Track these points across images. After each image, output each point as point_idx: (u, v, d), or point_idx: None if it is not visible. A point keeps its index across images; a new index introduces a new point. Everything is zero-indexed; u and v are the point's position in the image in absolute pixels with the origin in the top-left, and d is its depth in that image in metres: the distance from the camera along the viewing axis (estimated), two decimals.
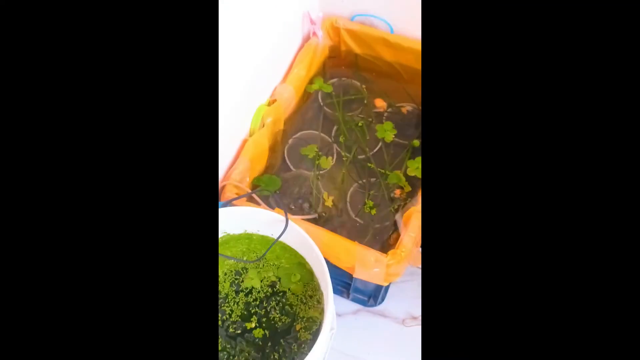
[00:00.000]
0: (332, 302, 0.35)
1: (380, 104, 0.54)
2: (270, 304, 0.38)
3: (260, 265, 0.40)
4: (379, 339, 0.46)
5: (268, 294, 0.38)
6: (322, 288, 0.38)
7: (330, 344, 0.37)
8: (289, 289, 0.39)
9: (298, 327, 0.38)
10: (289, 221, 0.37)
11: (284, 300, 0.38)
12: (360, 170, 0.49)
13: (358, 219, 0.46)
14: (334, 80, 0.55)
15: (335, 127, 0.52)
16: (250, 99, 0.46)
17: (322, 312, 0.38)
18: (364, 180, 0.47)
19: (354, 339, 0.45)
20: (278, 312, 0.38)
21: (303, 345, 0.37)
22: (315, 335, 0.37)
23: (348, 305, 0.48)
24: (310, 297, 0.39)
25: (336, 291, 0.46)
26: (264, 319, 0.38)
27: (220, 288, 0.39)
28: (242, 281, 0.39)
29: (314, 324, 0.38)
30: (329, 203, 0.47)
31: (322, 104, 0.53)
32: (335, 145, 0.50)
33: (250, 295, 0.39)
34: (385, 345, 0.45)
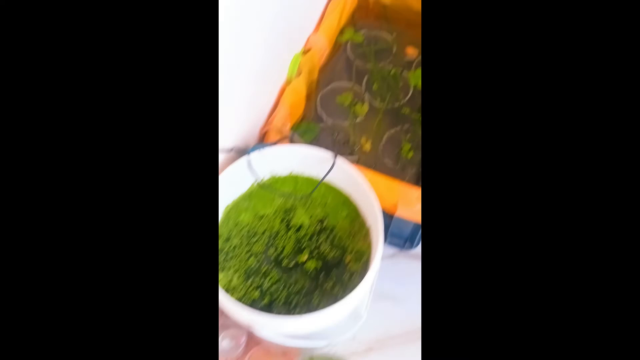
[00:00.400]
0: (382, 233, 0.36)
1: (411, 51, 0.55)
2: (320, 238, 0.40)
3: (308, 204, 0.42)
4: (416, 282, 0.48)
5: (317, 229, 0.40)
6: (370, 222, 0.40)
7: (376, 277, 0.40)
8: (336, 225, 0.41)
9: (348, 258, 0.40)
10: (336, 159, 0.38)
11: (332, 235, 0.40)
12: (394, 116, 0.50)
13: (395, 164, 0.47)
14: (364, 30, 0.56)
15: (366, 77, 0.53)
16: (286, 47, 0.47)
17: (369, 245, 0.40)
18: (399, 127, 0.49)
19: (391, 281, 0.47)
20: (328, 245, 0.40)
21: (354, 275, 0.39)
22: (364, 266, 0.39)
23: (385, 249, 0.50)
24: (358, 231, 0.40)
25: None
26: (315, 252, 0.39)
27: (271, 225, 0.41)
28: (292, 218, 0.41)
29: (362, 256, 0.40)
30: (366, 147, 0.48)
31: (352, 54, 0.54)
32: (367, 94, 0.51)
33: (300, 231, 0.40)
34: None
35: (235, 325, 0.47)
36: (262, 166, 0.40)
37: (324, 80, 0.52)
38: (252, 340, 0.49)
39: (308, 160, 0.41)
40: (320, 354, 0.43)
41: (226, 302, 0.34)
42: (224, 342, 0.50)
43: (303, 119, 0.50)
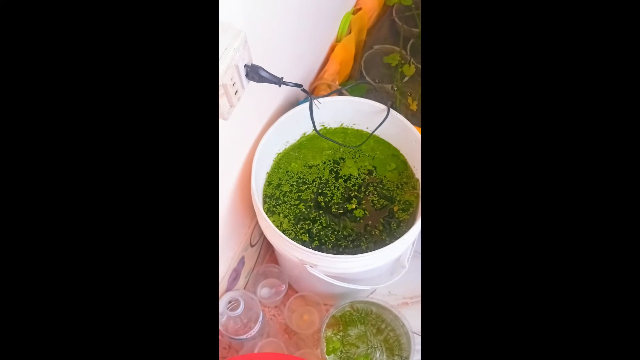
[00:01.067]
0: None
1: None
2: (368, 188, 0.41)
3: (357, 156, 0.43)
4: None
5: (366, 180, 0.41)
6: (418, 175, 0.41)
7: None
8: (384, 176, 0.42)
9: (395, 208, 0.41)
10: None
11: (380, 186, 0.41)
12: None
13: None
14: None
15: (411, 41, 0.53)
16: (337, 6, 0.48)
17: (417, 196, 0.41)
18: None
19: None
20: (376, 195, 0.41)
21: (402, 224, 0.40)
22: (412, 216, 0.40)
23: None
24: (406, 183, 0.41)
25: None
26: (363, 201, 0.41)
27: (320, 174, 0.42)
28: (341, 169, 0.42)
29: (410, 207, 0.41)
30: (413, 107, 0.49)
31: (399, 18, 0.54)
32: (411, 58, 0.51)
33: (349, 181, 0.42)
34: None
35: (276, 274, 0.49)
36: (314, 117, 0.40)
37: (371, 41, 0.53)
38: (291, 289, 0.51)
39: (358, 113, 0.42)
40: (360, 300, 0.45)
41: (279, 240, 0.36)
42: (264, 290, 0.52)
43: (350, 77, 0.50)
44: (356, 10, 0.50)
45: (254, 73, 0.28)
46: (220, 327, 0.40)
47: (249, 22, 0.29)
